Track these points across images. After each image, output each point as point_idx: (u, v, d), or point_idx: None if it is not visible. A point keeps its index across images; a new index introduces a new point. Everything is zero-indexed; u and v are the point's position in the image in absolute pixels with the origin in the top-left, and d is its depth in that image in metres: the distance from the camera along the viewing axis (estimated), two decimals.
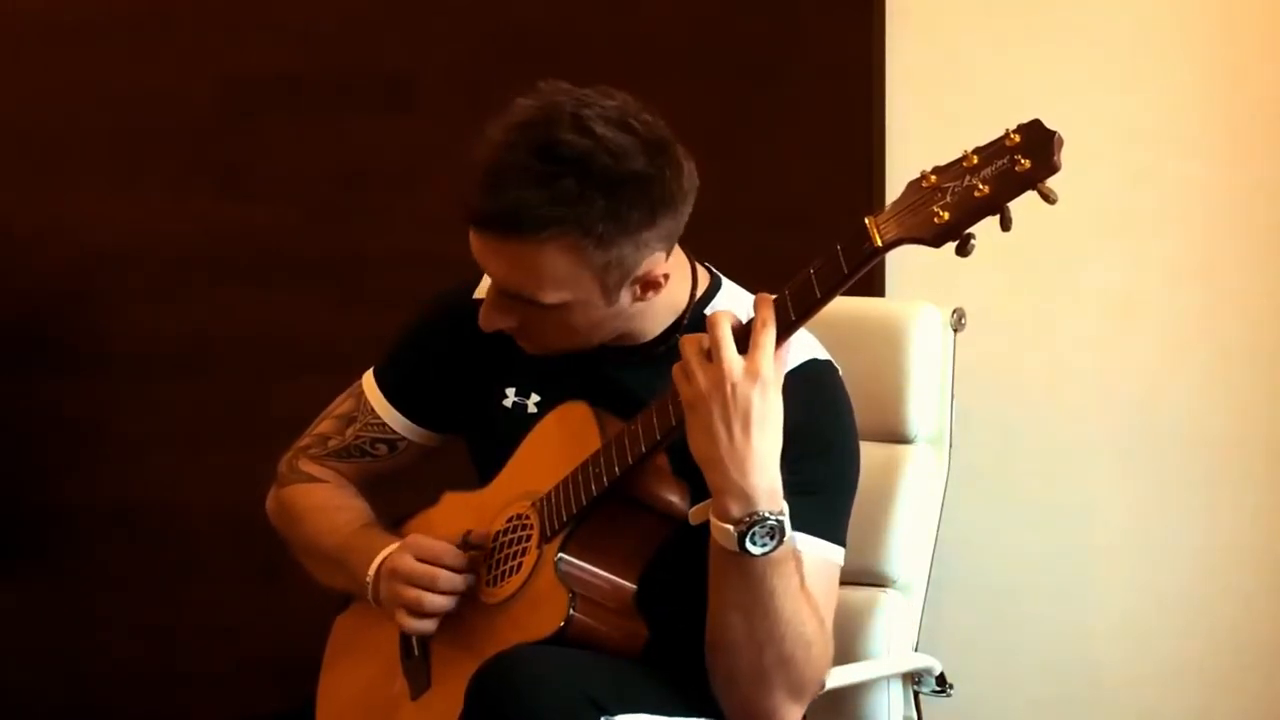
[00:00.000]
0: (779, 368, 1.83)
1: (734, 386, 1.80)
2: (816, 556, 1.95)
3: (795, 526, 1.87)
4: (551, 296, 1.96)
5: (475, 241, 1.97)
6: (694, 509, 1.89)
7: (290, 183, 3.21)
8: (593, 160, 1.90)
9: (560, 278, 1.95)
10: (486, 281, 2.20)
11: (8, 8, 3.32)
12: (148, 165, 3.29)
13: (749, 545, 1.82)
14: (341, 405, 2.31)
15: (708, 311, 2.08)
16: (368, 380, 2.28)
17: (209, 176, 3.25)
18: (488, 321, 2.02)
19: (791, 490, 1.87)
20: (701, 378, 1.81)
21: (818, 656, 1.91)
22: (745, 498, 1.81)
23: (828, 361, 2.06)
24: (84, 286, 3.33)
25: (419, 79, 3.15)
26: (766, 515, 1.81)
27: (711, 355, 1.81)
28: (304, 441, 2.33)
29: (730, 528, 1.82)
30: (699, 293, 2.10)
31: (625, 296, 1.99)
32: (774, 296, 1.83)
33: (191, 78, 3.24)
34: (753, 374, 1.80)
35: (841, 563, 2.01)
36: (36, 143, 3.33)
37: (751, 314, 2.04)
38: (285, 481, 2.31)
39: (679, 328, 2.07)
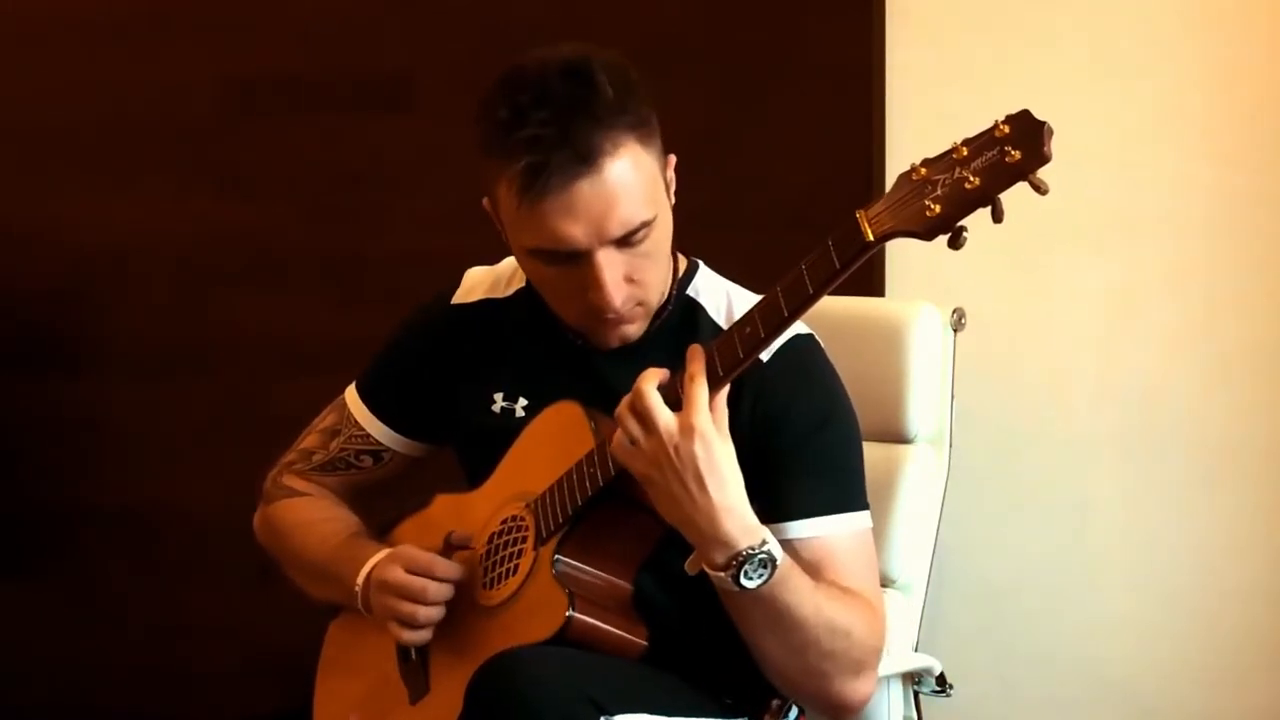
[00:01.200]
0: (718, 414, 1.84)
1: (676, 448, 1.82)
2: (845, 533, 1.98)
3: (818, 510, 1.93)
4: (649, 210, 1.93)
5: (564, 204, 1.89)
6: (688, 561, 1.90)
7: (290, 183, 3.22)
8: (604, 69, 1.92)
9: (646, 183, 1.93)
10: (467, 286, 2.22)
11: (8, 8, 3.32)
12: (148, 165, 3.29)
13: (744, 583, 1.85)
14: (325, 419, 2.30)
15: (690, 292, 2.11)
16: (350, 393, 2.28)
17: (209, 176, 3.26)
18: (618, 292, 1.94)
19: (805, 472, 1.92)
20: (645, 447, 1.84)
21: (863, 635, 1.93)
22: (723, 545, 1.84)
23: (808, 335, 2.07)
24: (84, 286, 3.34)
25: (419, 79, 3.15)
26: (750, 552, 1.84)
27: (645, 424, 1.83)
28: (289, 457, 2.32)
29: (722, 574, 1.85)
30: (680, 273, 2.11)
31: (667, 200, 2.00)
32: (703, 349, 1.85)
33: (191, 78, 3.24)
34: (688, 431, 1.82)
35: (870, 524, 2.02)
36: (36, 143, 3.34)
37: (738, 304, 2.06)
38: (270, 498, 2.31)
39: (665, 310, 2.08)
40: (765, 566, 1.85)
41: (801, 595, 1.88)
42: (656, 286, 2.02)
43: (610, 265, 1.93)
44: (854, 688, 1.95)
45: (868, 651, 1.95)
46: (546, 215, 1.90)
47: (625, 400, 1.87)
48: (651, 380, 1.85)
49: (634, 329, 2.02)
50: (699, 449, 1.82)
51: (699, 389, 1.83)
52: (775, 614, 1.88)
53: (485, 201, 2.03)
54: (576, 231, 1.90)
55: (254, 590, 3.10)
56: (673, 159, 2.01)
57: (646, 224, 1.94)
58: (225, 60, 3.23)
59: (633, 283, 1.97)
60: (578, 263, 1.93)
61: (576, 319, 2.03)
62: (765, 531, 1.86)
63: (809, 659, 1.91)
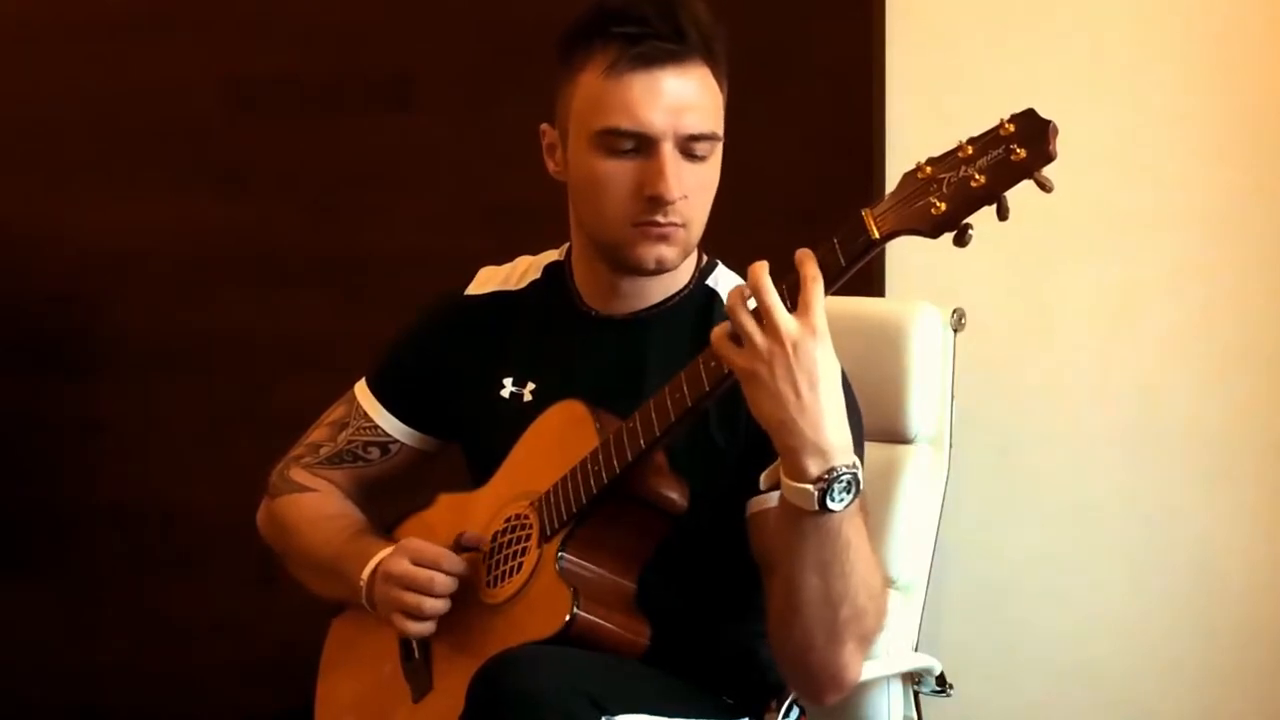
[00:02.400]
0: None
1: (795, 345, 1.75)
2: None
3: None
4: (719, 126, 2.01)
5: (650, 85, 1.96)
6: (765, 472, 1.84)
7: (290, 183, 3.22)
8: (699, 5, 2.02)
9: (717, 106, 2.02)
10: (480, 280, 2.23)
11: (8, 8, 3.32)
12: (148, 165, 3.29)
13: (829, 502, 1.77)
14: (333, 413, 2.31)
15: (709, 282, 2.12)
16: (360, 386, 2.28)
17: (209, 176, 3.26)
18: (677, 182, 1.97)
19: None
20: (760, 340, 1.76)
21: (881, 607, 1.90)
22: (822, 454, 1.77)
23: None
24: (84, 287, 3.34)
25: (419, 79, 3.15)
26: (843, 470, 1.77)
27: (763, 317, 1.77)
28: (296, 451, 2.32)
29: (810, 487, 1.77)
30: (701, 265, 2.13)
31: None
32: (815, 249, 1.80)
33: (191, 78, 3.25)
34: (811, 329, 1.76)
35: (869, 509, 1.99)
36: (37, 143, 3.34)
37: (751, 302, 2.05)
38: (276, 492, 2.31)
39: (680, 295, 2.09)
40: (850, 490, 1.78)
41: (861, 537, 1.83)
42: (699, 219, 2.04)
43: (674, 162, 1.97)
44: (856, 661, 1.89)
45: (877, 627, 1.91)
46: (631, 90, 1.96)
47: (733, 293, 1.80)
48: (766, 270, 1.78)
49: (672, 253, 2.02)
50: (820, 351, 1.76)
51: (817, 290, 1.76)
52: (834, 550, 1.81)
53: (543, 126, 2.08)
54: (655, 116, 1.96)
55: (254, 590, 3.11)
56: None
57: (714, 137, 2.01)
58: (225, 60, 3.24)
59: (684, 199, 1.99)
60: (644, 154, 1.97)
61: (625, 223, 2.01)
62: (856, 458, 1.80)
63: (842, 613, 1.84)
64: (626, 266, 2.04)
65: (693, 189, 1.99)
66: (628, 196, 1.99)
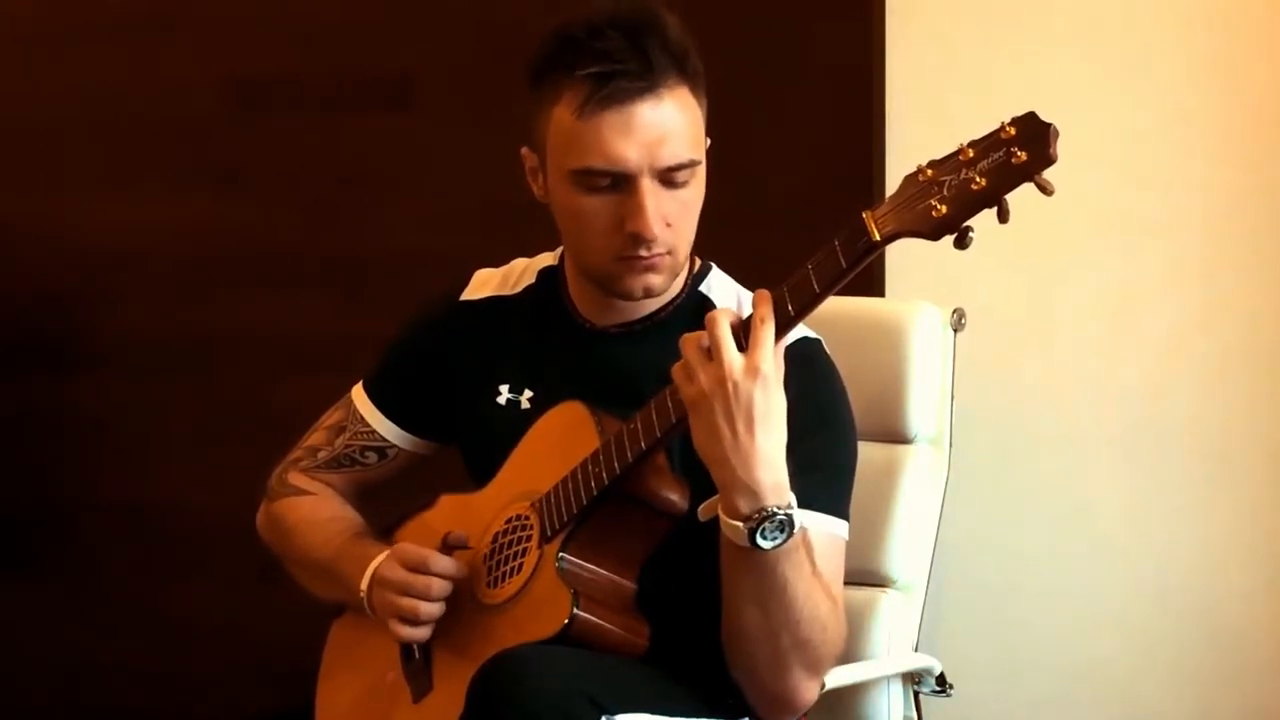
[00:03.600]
0: (778, 363, 1.82)
1: (735, 385, 1.79)
2: (823, 532, 1.96)
3: (801, 503, 1.88)
4: (698, 152, 1.99)
5: (623, 122, 1.93)
6: (703, 505, 1.88)
7: (290, 182, 3.22)
8: (671, 18, 1.99)
9: (696, 129, 1.99)
10: (475, 284, 2.23)
11: (8, 8, 3.32)
12: (148, 165, 3.29)
13: (759, 540, 1.82)
14: (331, 417, 2.31)
15: (702, 289, 2.12)
16: (356, 390, 2.28)
17: (209, 176, 3.26)
18: (657, 218, 1.96)
19: (793, 467, 1.88)
20: (703, 376, 1.81)
21: (833, 635, 1.92)
22: (752, 494, 1.81)
23: (816, 340, 2.08)
24: (84, 286, 3.34)
25: (419, 79, 3.15)
26: (775, 510, 1.81)
27: (712, 354, 1.81)
28: (294, 454, 2.32)
29: (740, 524, 1.82)
30: (693, 272, 2.12)
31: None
32: (773, 292, 1.83)
33: (191, 78, 3.25)
34: (753, 371, 1.79)
35: (846, 536, 2.02)
36: (37, 143, 3.34)
37: (747, 306, 2.05)
38: (275, 496, 2.31)
39: (673, 304, 2.09)
40: (783, 531, 1.82)
41: (801, 574, 1.86)
42: (686, 241, 2.03)
43: (653, 195, 1.95)
44: (806, 686, 1.93)
45: (830, 654, 1.94)
46: (604, 129, 1.93)
47: (692, 335, 1.84)
48: (725, 314, 1.83)
49: (659, 280, 2.02)
50: (758, 391, 1.79)
51: (767, 332, 1.80)
52: (770, 585, 1.85)
53: (524, 150, 2.06)
54: (630, 152, 1.94)
55: (254, 590, 3.10)
56: (709, 140, 2.05)
57: (693, 164, 1.98)
58: (225, 60, 3.24)
59: (668, 227, 1.98)
60: (622, 189, 1.96)
61: (608, 257, 2.01)
62: (792, 496, 1.83)
63: (782, 642, 1.88)
64: (615, 294, 2.05)
65: (675, 215, 1.99)
66: (610, 231, 1.99)
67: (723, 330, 1.81)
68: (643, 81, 1.93)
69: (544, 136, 2.01)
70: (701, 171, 2.01)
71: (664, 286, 2.03)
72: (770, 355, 1.80)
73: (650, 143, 1.94)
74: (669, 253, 2.00)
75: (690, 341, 1.83)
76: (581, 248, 2.04)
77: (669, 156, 1.95)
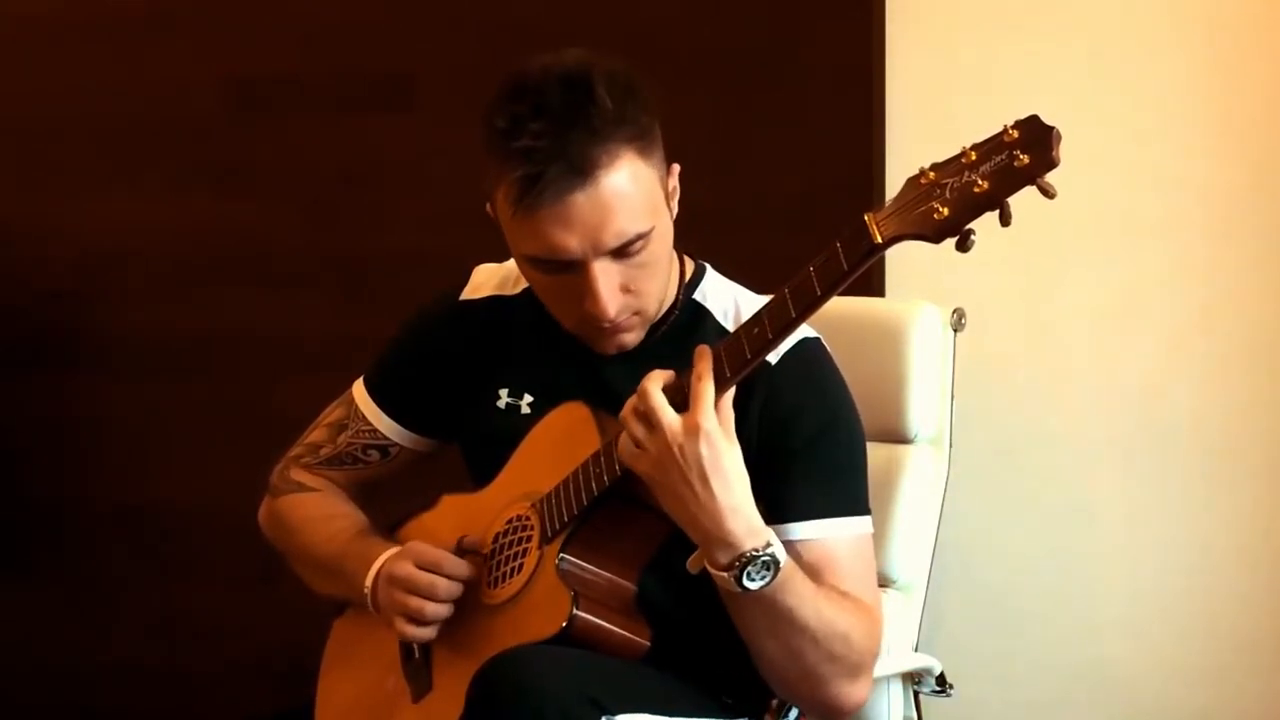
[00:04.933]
0: (724, 415, 1.84)
1: (680, 448, 1.82)
2: (847, 537, 1.98)
3: (821, 513, 1.94)
4: (646, 221, 1.94)
5: (559, 215, 1.89)
6: (691, 559, 1.90)
7: (290, 182, 3.22)
8: (604, 80, 1.91)
9: (644, 195, 1.93)
10: (475, 282, 2.23)
11: (8, 8, 3.32)
12: (148, 165, 3.29)
13: (747, 584, 1.85)
14: (332, 414, 2.31)
15: (696, 297, 2.11)
16: (358, 387, 2.28)
17: (209, 176, 3.26)
18: (613, 302, 1.95)
19: (809, 475, 1.93)
20: (650, 447, 1.84)
21: (860, 639, 1.94)
22: (727, 546, 1.85)
23: (816, 339, 2.07)
24: (84, 286, 3.34)
25: (419, 79, 3.15)
26: (754, 554, 1.85)
27: (650, 423, 1.84)
28: (295, 451, 2.32)
29: (725, 574, 1.86)
30: (687, 277, 2.12)
31: (668, 210, 2.00)
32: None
33: (191, 77, 3.24)
34: (693, 430, 1.82)
35: (872, 530, 2.03)
36: (36, 143, 3.34)
37: (745, 308, 2.06)
38: (278, 492, 2.30)
39: (671, 314, 2.09)
40: (768, 569, 1.85)
41: (803, 599, 1.89)
42: (654, 295, 2.02)
43: (606, 275, 1.94)
44: (850, 691, 1.96)
45: (865, 655, 1.96)
46: (541, 225, 1.91)
47: (630, 402, 1.87)
48: (656, 381, 1.85)
49: (631, 337, 2.03)
50: (704, 449, 1.82)
51: (705, 388, 1.83)
52: (776, 616, 1.88)
53: (488, 206, 2.03)
54: (571, 242, 1.91)
55: (254, 590, 3.11)
56: (676, 168, 2.02)
57: (643, 236, 1.94)
58: (225, 60, 3.23)
59: (629, 292, 1.97)
60: (574, 271, 1.94)
61: (574, 326, 2.04)
62: (770, 534, 1.87)
63: (807, 662, 1.91)
64: (592, 347, 2.06)
65: (635, 279, 1.97)
66: (571, 305, 1.99)
67: (656, 399, 1.84)
68: (574, 175, 1.88)
69: (495, 210, 2.00)
70: (660, 231, 1.97)
71: (637, 340, 2.04)
72: (709, 411, 1.82)
73: (591, 229, 1.91)
74: (636, 313, 2.01)
75: (630, 415, 1.86)
76: (552, 312, 2.06)
77: (613, 238, 1.92)
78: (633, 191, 1.92)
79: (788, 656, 1.91)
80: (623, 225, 1.92)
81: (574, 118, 1.89)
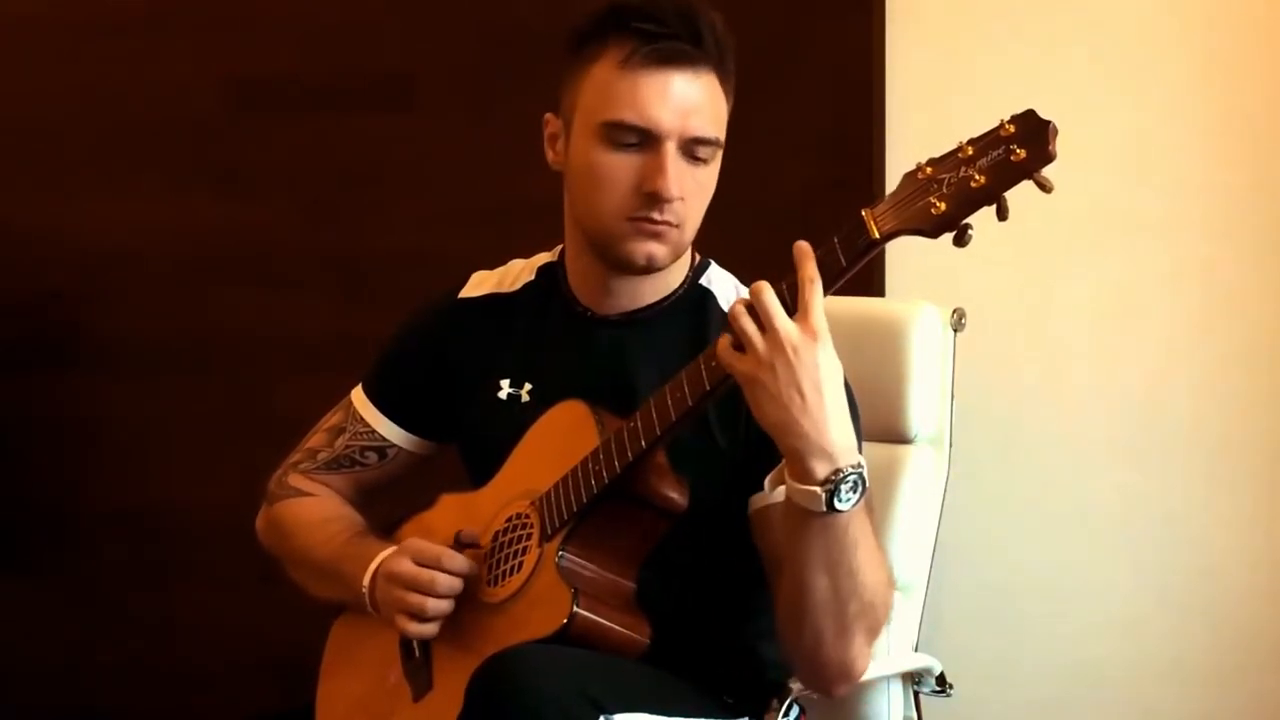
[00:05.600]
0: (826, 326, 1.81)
1: (795, 349, 1.77)
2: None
3: None
4: (722, 134, 2.02)
5: (663, 83, 1.97)
6: (770, 476, 1.88)
7: (290, 183, 3.22)
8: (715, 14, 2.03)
9: (722, 114, 2.03)
10: (474, 282, 2.23)
11: (9, 8, 3.32)
12: (148, 165, 3.29)
13: (837, 503, 1.79)
14: (331, 419, 2.31)
15: (703, 282, 2.12)
16: (356, 392, 2.29)
17: (209, 176, 3.26)
18: (676, 182, 1.98)
19: None
20: (761, 346, 1.78)
21: (888, 600, 1.91)
22: (828, 456, 1.79)
23: None
24: (83, 286, 3.33)
25: (419, 79, 3.15)
26: (849, 470, 1.79)
27: (763, 324, 1.79)
28: (294, 457, 2.32)
29: (817, 489, 1.79)
30: (694, 265, 2.14)
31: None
32: (810, 248, 1.81)
33: (191, 77, 3.24)
34: (811, 333, 1.78)
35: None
36: (36, 143, 3.34)
37: (739, 293, 2.06)
38: (275, 498, 2.30)
39: (673, 296, 2.10)
40: (856, 490, 1.80)
41: (867, 534, 1.84)
42: (693, 221, 2.04)
43: (675, 162, 1.98)
44: (865, 652, 1.91)
45: (885, 617, 1.92)
46: (641, 87, 1.97)
47: (737, 303, 1.82)
48: (767, 286, 1.81)
49: (663, 251, 2.02)
50: (822, 355, 1.78)
51: (816, 292, 1.78)
52: (841, 548, 1.82)
53: (547, 115, 2.09)
54: (663, 114, 1.97)
55: (254, 590, 3.09)
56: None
57: (717, 143, 2.01)
58: (225, 60, 3.23)
59: (681, 200, 2.00)
60: (646, 149, 1.98)
61: (620, 217, 2.01)
62: (862, 457, 1.82)
63: (849, 609, 1.86)
64: (617, 262, 2.04)
65: (690, 191, 2.00)
66: (626, 191, 1.99)
67: (770, 299, 1.79)
68: (688, 48, 1.97)
69: (576, 96, 2.03)
70: (719, 158, 2.04)
71: (666, 260, 2.03)
72: (822, 316, 1.79)
73: (683, 109, 1.98)
74: (678, 225, 2.01)
75: (739, 314, 1.81)
76: (594, 207, 2.03)
77: (698, 127, 1.98)
78: (719, 106, 2.02)
79: (835, 600, 1.85)
80: (707, 121, 1.99)
81: (699, 15, 2.00)
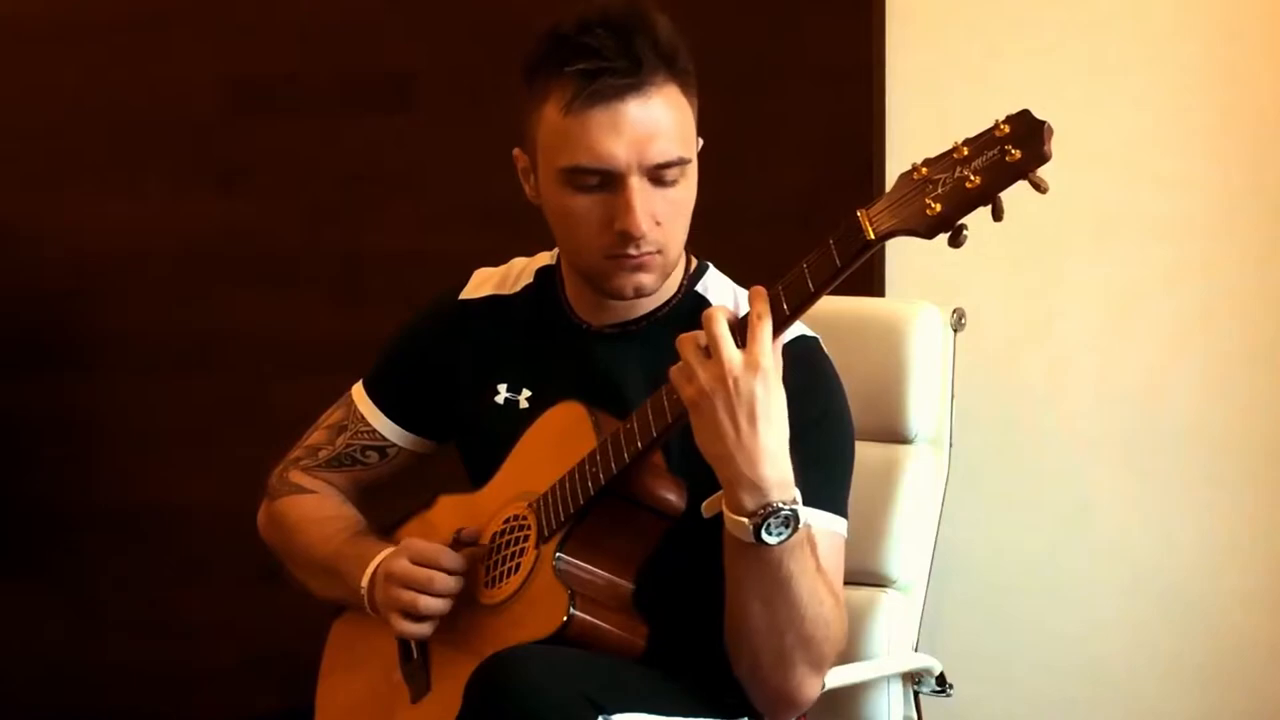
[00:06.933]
0: (776, 359, 1.82)
1: (736, 381, 1.79)
2: (823, 530, 1.96)
3: (803, 500, 1.87)
4: (687, 151, 1.98)
5: (611, 119, 1.93)
6: (706, 502, 1.88)
7: (290, 182, 3.22)
8: (661, 17, 1.99)
9: (685, 128, 1.99)
10: (475, 282, 2.23)
11: (7, 8, 3.32)
12: (148, 165, 3.30)
13: (765, 536, 1.81)
14: (331, 416, 2.31)
15: (699, 288, 2.12)
16: (357, 389, 2.29)
17: (209, 176, 3.26)
18: (645, 215, 1.95)
19: (792, 465, 1.87)
20: (702, 375, 1.80)
21: (836, 632, 1.92)
22: (757, 490, 1.81)
23: (814, 337, 2.08)
24: (84, 286, 3.34)
25: (419, 79, 3.15)
26: (780, 505, 1.80)
27: (710, 352, 1.81)
28: (295, 453, 2.32)
29: (745, 520, 1.81)
30: (690, 271, 2.12)
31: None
32: (768, 290, 1.83)
33: (192, 77, 3.25)
34: (753, 366, 1.79)
35: (845, 534, 2.02)
36: (37, 143, 3.34)
37: (744, 305, 2.05)
38: (275, 494, 2.31)
39: (669, 305, 2.09)
40: (788, 525, 1.81)
41: (806, 570, 1.86)
42: (677, 241, 2.02)
43: (642, 195, 1.95)
44: (810, 683, 1.93)
45: (833, 651, 1.94)
46: (591, 127, 1.93)
47: (688, 335, 1.83)
48: (721, 312, 1.82)
49: (649, 279, 2.02)
50: (759, 386, 1.79)
51: (765, 327, 1.79)
52: (776, 581, 1.85)
53: (516, 151, 2.07)
54: (618, 149, 1.94)
55: (254, 590, 3.11)
56: (700, 141, 2.04)
57: (682, 162, 1.97)
58: (225, 60, 3.24)
59: (658, 226, 1.98)
60: (610, 189, 1.96)
61: (598, 256, 2.01)
62: (796, 491, 1.83)
63: (787, 640, 1.88)
64: (607, 295, 2.05)
65: (665, 214, 1.98)
66: (599, 230, 1.98)
67: (720, 328, 1.80)
68: (630, 79, 1.93)
69: (534, 136, 2.02)
70: (692, 171, 2.01)
71: (654, 286, 2.03)
72: (769, 351, 1.80)
73: (638, 140, 1.94)
74: (659, 252, 2.00)
75: (687, 341, 1.83)
76: (572, 247, 2.05)
77: (657, 154, 1.95)
78: (678, 118, 1.97)
79: (770, 630, 1.88)
80: (667, 144, 1.95)
81: (639, 30, 1.95)
